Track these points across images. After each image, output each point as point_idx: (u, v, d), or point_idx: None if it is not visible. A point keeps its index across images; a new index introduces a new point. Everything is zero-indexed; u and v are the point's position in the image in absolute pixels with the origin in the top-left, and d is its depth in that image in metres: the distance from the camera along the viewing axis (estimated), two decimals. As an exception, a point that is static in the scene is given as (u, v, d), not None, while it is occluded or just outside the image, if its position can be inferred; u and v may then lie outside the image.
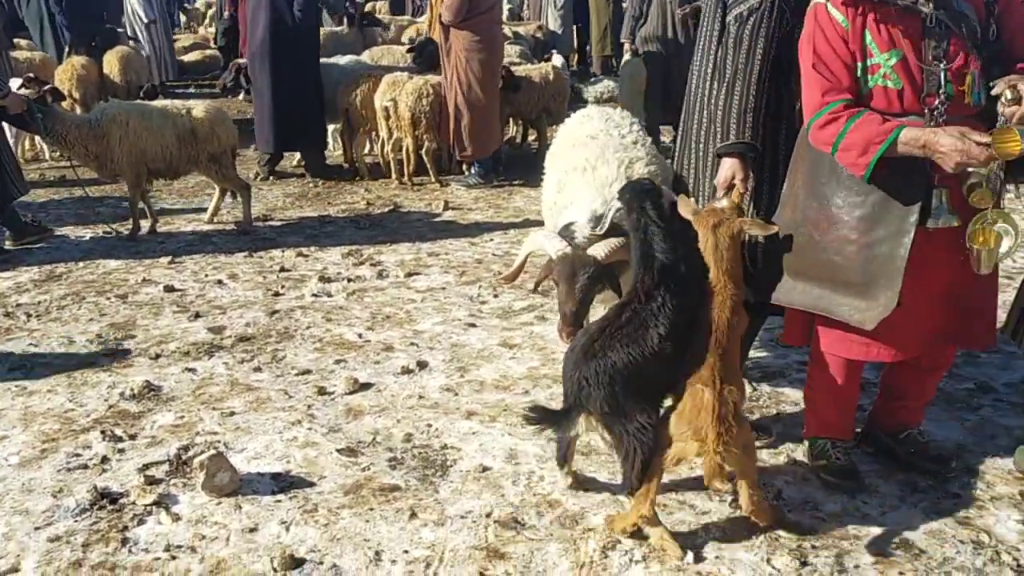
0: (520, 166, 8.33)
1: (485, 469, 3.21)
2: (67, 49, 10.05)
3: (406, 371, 4.03)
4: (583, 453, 3.29)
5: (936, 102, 2.52)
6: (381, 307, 4.87)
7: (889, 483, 3.05)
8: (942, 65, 2.52)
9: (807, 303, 2.79)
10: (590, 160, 3.35)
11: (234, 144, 6.36)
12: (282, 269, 5.53)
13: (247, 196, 6.44)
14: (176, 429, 3.54)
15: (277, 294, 5.10)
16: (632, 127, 3.88)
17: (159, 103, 6.45)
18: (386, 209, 7.00)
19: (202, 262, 5.70)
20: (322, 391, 3.84)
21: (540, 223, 6.45)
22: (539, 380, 3.94)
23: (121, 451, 3.38)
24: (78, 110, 8.65)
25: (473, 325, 4.58)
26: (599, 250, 2.90)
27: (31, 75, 8.84)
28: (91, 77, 9.04)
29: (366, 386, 3.90)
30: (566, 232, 3.01)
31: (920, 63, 2.54)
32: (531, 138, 9.51)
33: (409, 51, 8.60)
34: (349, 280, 5.32)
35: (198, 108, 6.15)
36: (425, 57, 8.31)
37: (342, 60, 8.64)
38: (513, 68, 8.14)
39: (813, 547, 2.71)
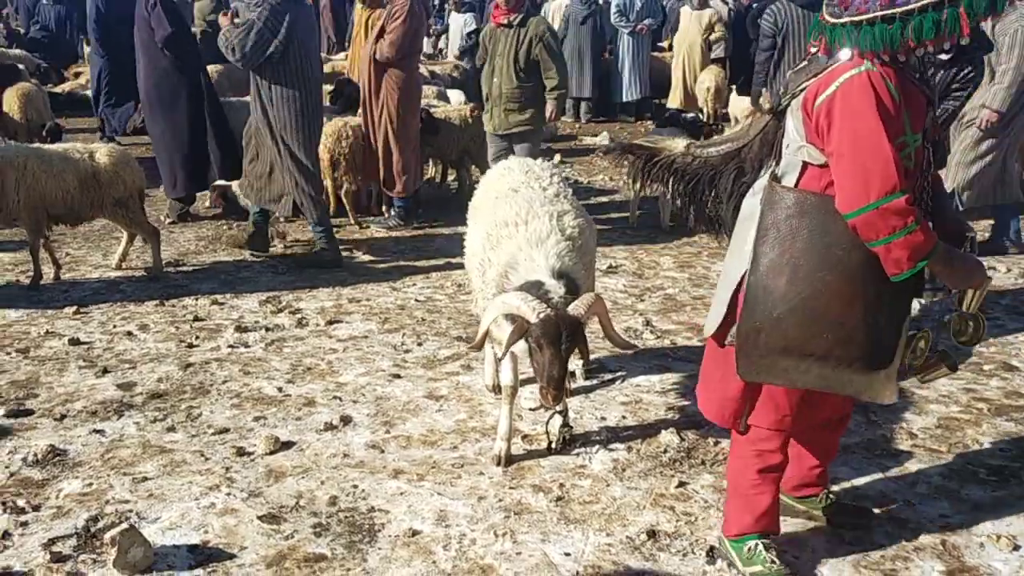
0: (439, 207, 8.29)
1: (415, 533, 3.12)
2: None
3: (329, 427, 3.91)
4: (515, 512, 3.24)
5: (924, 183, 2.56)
6: (301, 358, 4.74)
7: (816, 537, 3.09)
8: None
9: (809, 381, 2.60)
10: (520, 215, 3.34)
11: (141, 187, 6.12)
12: (196, 318, 5.33)
13: (156, 241, 6.20)
14: (84, 498, 3.34)
15: (191, 345, 4.90)
16: (553, 179, 3.91)
17: (60, 146, 6.18)
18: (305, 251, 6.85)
19: (110, 312, 5.45)
20: (241, 451, 3.69)
21: (461, 266, 6.44)
22: (467, 434, 3.87)
23: (24, 524, 3.16)
24: (-26, 148, 8.23)
25: (397, 376, 4.49)
26: (579, 309, 2.89)
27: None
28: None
29: (287, 445, 3.77)
30: (539, 293, 2.96)
31: (927, 144, 2.54)
32: (450, 178, 9.50)
33: (329, 94, 8.49)
34: (267, 329, 5.16)
35: (101, 151, 5.90)
36: (344, 98, 8.23)
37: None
38: (432, 109, 8.13)
39: (746, 605, 2.72)
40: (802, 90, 2.57)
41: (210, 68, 8.30)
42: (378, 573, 2.90)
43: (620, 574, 2.91)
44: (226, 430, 3.90)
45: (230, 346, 4.90)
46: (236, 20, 6.35)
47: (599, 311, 2.99)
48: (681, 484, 3.44)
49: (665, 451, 3.72)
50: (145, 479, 3.48)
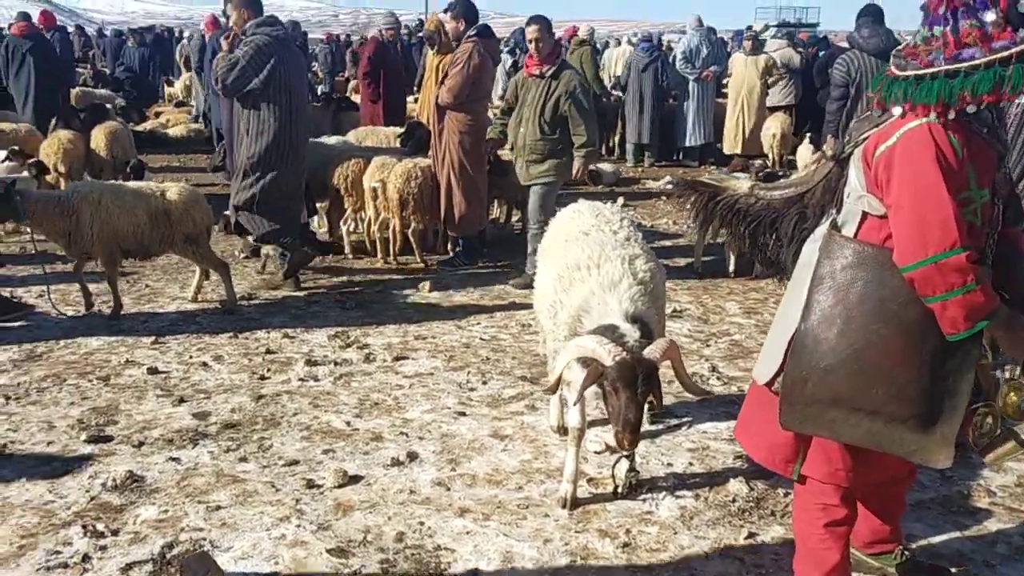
0: (504, 247, 8.38)
1: (477, 573, 3.13)
2: (53, 122, 10.06)
3: (396, 463, 3.96)
4: (581, 557, 3.23)
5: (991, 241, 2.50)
6: (369, 393, 4.81)
7: (893, 595, 3.01)
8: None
9: (858, 437, 2.53)
10: (592, 258, 3.37)
11: (210, 224, 6.35)
12: (268, 351, 5.46)
13: (227, 275, 6.39)
14: (160, 525, 3.43)
15: (263, 377, 5.02)
16: (623, 222, 3.94)
17: (133, 184, 6.47)
18: (374, 289, 6.98)
19: (186, 343, 5.62)
20: (311, 484, 3.75)
21: (526, 306, 6.49)
22: (532, 475, 3.88)
23: (103, 548, 3.26)
24: (63, 184, 8.61)
25: (463, 414, 4.53)
26: (655, 353, 2.90)
27: (15, 148, 8.88)
28: (77, 151, 9.03)
29: (355, 479, 3.82)
30: (613, 337, 2.98)
31: (996, 200, 2.48)
32: (515, 219, 9.59)
33: (399, 136, 8.69)
34: (336, 363, 5.26)
35: (172, 190, 6.14)
36: (415, 140, 8.41)
37: (330, 140, 8.73)
38: (500, 152, 8.26)
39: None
40: (864, 139, 2.56)
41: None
42: (444, 611, 2.91)
43: None
44: (296, 462, 3.97)
45: (300, 379, 5.00)
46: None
47: (672, 356, 2.99)
48: (751, 535, 3.38)
49: (734, 500, 3.67)
50: (219, 508, 3.56)
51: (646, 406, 3.01)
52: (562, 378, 3.17)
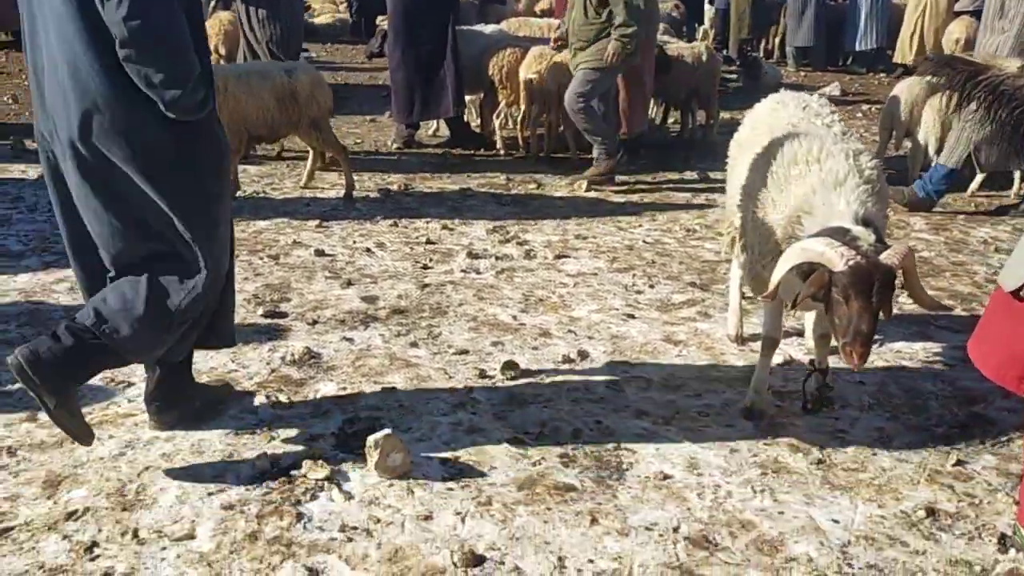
0: (660, 152, 8.03)
1: (666, 477, 2.99)
2: (212, 4, 10.18)
3: (567, 360, 3.84)
4: (772, 470, 3.04)
5: None
6: (532, 289, 4.69)
7: None
8: None
9: None
10: (812, 152, 3.06)
11: (331, 107, 6.31)
12: (428, 241, 5.41)
13: (347, 160, 6.34)
14: (339, 401, 3.44)
15: (426, 267, 4.97)
16: (833, 115, 3.59)
17: (258, 64, 6.42)
18: (529, 186, 6.82)
19: (349, 228, 5.63)
20: (483, 374, 3.68)
21: (690, 208, 6.20)
22: (710, 383, 3.69)
23: (287, 419, 3.29)
24: (223, 66, 8.73)
25: (632, 316, 4.36)
26: (893, 259, 2.62)
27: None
28: (237, 33, 9.11)
29: (527, 372, 3.73)
30: (845, 239, 2.71)
31: None
32: (671, 121, 9.18)
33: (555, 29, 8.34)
34: (497, 258, 5.15)
35: (298, 70, 6.09)
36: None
37: (487, 29, 8.47)
38: (665, 46, 7.82)
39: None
40: None
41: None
42: (631, 511, 2.79)
43: (895, 548, 2.65)
44: (466, 351, 3.91)
45: (462, 271, 4.93)
46: None
47: (908, 265, 2.69)
48: (959, 463, 3.10)
49: (936, 425, 3.38)
50: (393, 389, 3.54)
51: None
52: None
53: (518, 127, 7.89)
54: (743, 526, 2.74)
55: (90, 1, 2.51)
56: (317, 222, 5.66)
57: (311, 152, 6.50)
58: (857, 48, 13.47)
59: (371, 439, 2.93)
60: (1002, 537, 2.70)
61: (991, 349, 2.56)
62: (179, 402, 3.18)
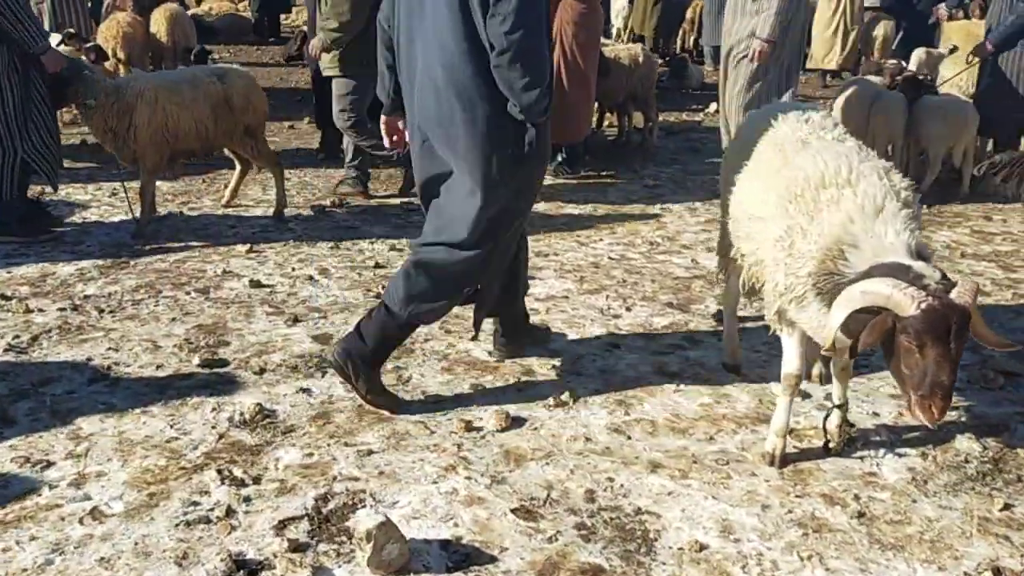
0: (602, 155, 7.71)
1: (702, 548, 2.62)
2: (107, 3, 9.35)
3: (559, 403, 3.43)
4: (812, 529, 2.71)
5: None
6: (501, 317, 4.26)
7: None
8: None
9: None
10: (841, 173, 2.73)
11: (266, 114, 5.70)
12: (377, 265, 4.92)
13: (281, 175, 5.72)
14: (307, 471, 2.94)
15: (379, 295, 4.48)
16: (838, 127, 3.29)
17: (187, 72, 5.73)
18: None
19: (284, 252, 5.07)
20: (469, 426, 3.24)
21: (646, 218, 5.88)
22: (719, 422, 3.34)
23: (247, 500, 2.78)
24: (122, 72, 7.97)
25: (616, 346, 3.98)
26: (966, 298, 2.30)
27: (71, 31, 8.19)
28: (137, 36, 8.35)
29: (518, 421, 3.30)
30: (909, 278, 2.37)
31: None
32: (605, 124, 8.88)
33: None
34: (456, 282, 4.70)
35: (230, 74, 5.44)
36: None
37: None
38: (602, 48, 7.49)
39: None
40: None
41: None
42: (673, 597, 2.42)
43: (971, 623, 2.36)
44: (444, 398, 3.46)
45: (420, 299, 4.46)
46: None
47: (974, 302, 2.39)
48: (1007, 507, 2.84)
49: (967, 461, 3.12)
50: (370, 452, 3.06)
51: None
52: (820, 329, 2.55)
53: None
54: (802, 606, 2.39)
55: (469, 14, 2.98)
56: (247, 247, 5.08)
57: (238, 166, 5.87)
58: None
59: (362, 529, 2.45)
60: (1082, 599, 2.43)
61: None
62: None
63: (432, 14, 3.05)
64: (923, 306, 2.25)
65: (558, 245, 5.37)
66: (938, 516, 2.80)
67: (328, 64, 5.83)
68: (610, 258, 5.16)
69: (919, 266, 2.38)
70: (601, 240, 5.50)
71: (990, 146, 7.10)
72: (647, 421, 3.34)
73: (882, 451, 3.17)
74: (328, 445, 3.10)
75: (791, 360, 3.01)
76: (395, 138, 3.55)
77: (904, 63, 7.78)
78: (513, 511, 2.76)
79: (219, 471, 2.90)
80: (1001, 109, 6.63)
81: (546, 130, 3.22)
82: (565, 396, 3.47)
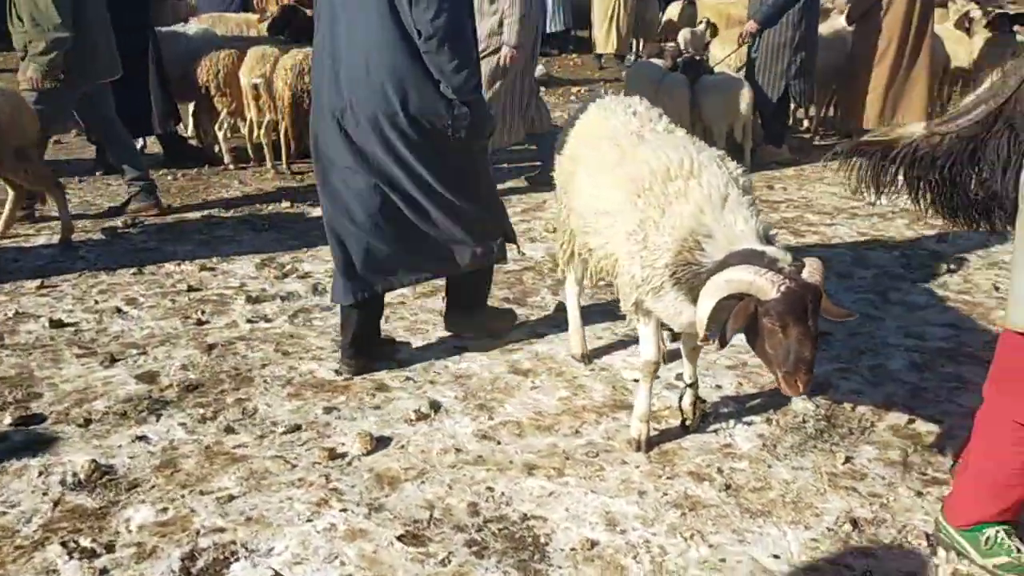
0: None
1: (593, 544, 2.65)
2: None
3: (421, 416, 3.35)
4: (689, 508, 2.82)
5: None
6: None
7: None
8: None
9: None
10: (684, 164, 2.83)
11: (36, 136, 5.16)
12: (190, 288, 4.57)
13: (63, 196, 5.21)
14: (165, 529, 2.68)
15: (201, 323, 4.17)
16: (663, 118, 3.43)
17: None
18: (281, 204, 6.08)
19: (82, 284, 4.59)
20: (333, 454, 3.09)
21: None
22: (580, 414, 3.40)
23: (104, 572, 2.49)
24: None
25: (464, 348, 3.94)
26: (815, 277, 2.44)
27: None
28: None
29: (383, 441, 3.19)
30: (764, 263, 2.47)
31: None
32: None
33: (271, 25, 7.55)
34: (283, 299, 4.47)
35: None
36: (293, 28, 7.34)
37: (189, 29, 7.47)
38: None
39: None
40: None
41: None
42: (578, 600, 2.43)
43: (842, 575, 2.55)
44: (298, 427, 3.27)
45: (248, 321, 4.20)
46: None
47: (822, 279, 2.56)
48: (848, 460, 3.10)
49: (805, 421, 3.37)
50: (231, 498, 2.84)
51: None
52: (639, 308, 2.65)
53: (247, 138, 7.05)
54: (698, 587, 2.49)
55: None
56: (38, 282, 4.55)
57: (11, 193, 5.22)
58: (548, 30, 13.97)
59: (252, 588, 2.26)
60: (927, 536, 2.70)
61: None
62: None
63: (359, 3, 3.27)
64: (783, 289, 2.39)
65: (382, 248, 5.24)
66: (793, 478, 3.01)
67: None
68: (437, 257, 5.10)
69: (771, 251, 2.52)
70: (424, 239, 5.43)
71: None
72: (512, 423, 3.34)
73: (732, 422, 3.35)
74: (182, 496, 2.84)
75: (648, 347, 3.11)
76: None
77: (681, 45, 8.25)
78: (399, 538, 2.66)
79: (64, 544, 2.58)
80: (766, 83, 7.21)
81: (481, 105, 3.46)
82: (425, 408, 3.40)
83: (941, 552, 2.63)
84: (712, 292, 2.49)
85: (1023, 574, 2.48)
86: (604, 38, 12.32)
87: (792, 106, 7.83)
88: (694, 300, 2.64)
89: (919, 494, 2.91)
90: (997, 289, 4.58)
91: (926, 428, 3.30)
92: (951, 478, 2.95)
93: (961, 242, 5.34)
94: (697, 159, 2.87)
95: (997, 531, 2.54)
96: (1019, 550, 2.52)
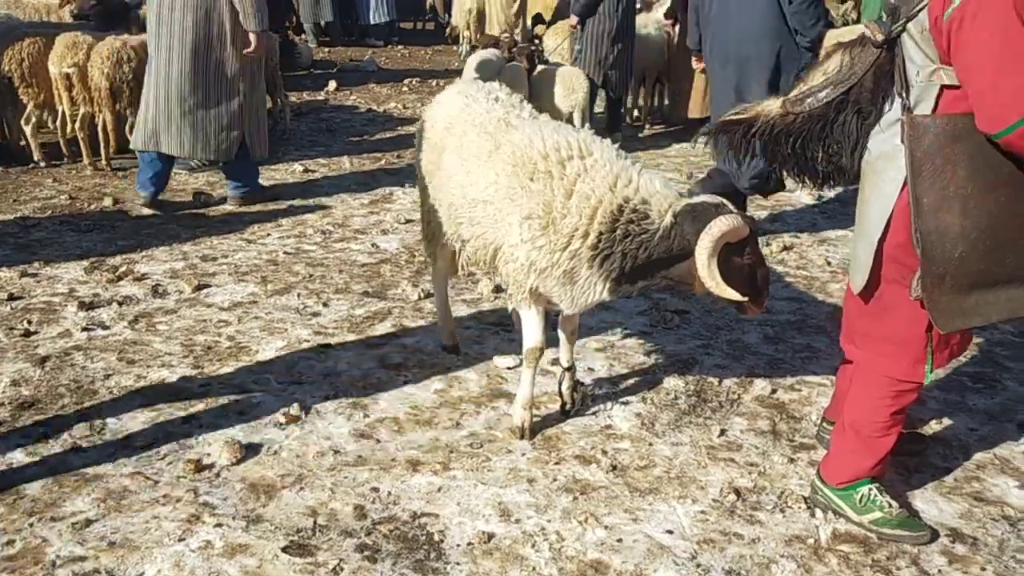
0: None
1: (489, 537, 2.58)
2: None
3: (292, 419, 3.16)
4: (580, 492, 2.81)
5: None
6: (190, 335, 3.81)
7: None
8: None
9: (1000, 311, 2.37)
10: (572, 146, 2.82)
11: None
12: (11, 297, 4.10)
13: None
14: (15, 564, 2.38)
15: (29, 333, 3.75)
16: (524, 103, 3.41)
17: None
18: (104, 202, 5.59)
19: None
20: (199, 466, 2.85)
21: (307, 207, 5.62)
22: (458, 406, 3.32)
23: (-59, 623, 2.18)
24: None
25: (328, 346, 3.77)
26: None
27: None
28: None
29: (252, 448, 2.98)
30: (718, 210, 2.64)
31: None
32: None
33: (89, 9, 6.94)
34: (120, 303, 4.10)
35: None
36: (104, 13, 6.78)
37: (-16, 13, 6.74)
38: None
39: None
40: (919, 10, 2.32)
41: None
42: (481, 595, 2.36)
43: (733, 543, 2.62)
44: (155, 440, 3.00)
45: (83, 329, 3.82)
46: None
47: None
48: (722, 432, 3.19)
49: (677, 398, 3.45)
50: (88, 523, 2.56)
51: None
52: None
53: (59, 133, 6.44)
54: (596, 570, 2.47)
55: None
56: None
57: None
58: (372, 22, 13.79)
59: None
60: (805, 500, 2.82)
61: (877, 347, 2.60)
62: None
63: None
64: (751, 227, 2.63)
65: (223, 246, 4.93)
66: (674, 454, 3.07)
67: None
68: (286, 253, 4.86)
69: (707, 198, 2.67)
70: (269, 235, 5.16)
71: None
72: (390, 419, 3.21)
73: (609, 403, 3.38)
74: (30, 525, 2.53)
75: (533, 334, 3.06)
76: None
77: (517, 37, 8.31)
78: (284, 550, 2.49)
79: None
80: (589, 72, 7.39)
81: None
82: (294, 409, 3.21)
83: (819, 513, 2.76)
84: (709, 251, 2.58)
85: (895, 527, 2.64)
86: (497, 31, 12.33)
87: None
88: (629, 273, 2.73)
89: (791, 460, 3.04)
90: (829, 264, 4.90)
91: (788, 397, 3.46)
92: (817, 444, 3.11)
93: (792, 221, 5.67)
94: (578, 137, 2.86)
95: (870, 488, 2.70)
96: (891, 505, 2.68)
